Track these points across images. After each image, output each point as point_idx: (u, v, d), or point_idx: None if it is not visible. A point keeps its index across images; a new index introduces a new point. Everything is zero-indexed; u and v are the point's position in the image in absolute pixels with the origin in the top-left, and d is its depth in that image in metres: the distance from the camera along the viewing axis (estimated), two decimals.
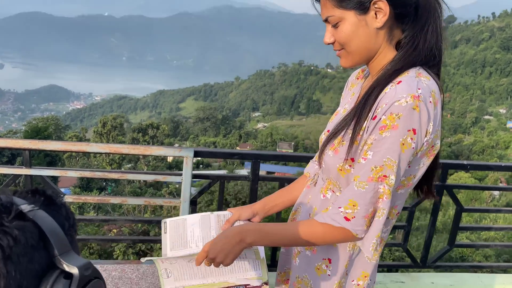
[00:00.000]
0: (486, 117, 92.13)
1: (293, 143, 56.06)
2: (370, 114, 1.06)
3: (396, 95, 1.01)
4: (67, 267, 0.51)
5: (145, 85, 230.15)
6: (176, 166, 33.95)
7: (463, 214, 2.53)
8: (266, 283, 1.20)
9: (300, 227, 1.13)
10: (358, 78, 1.32)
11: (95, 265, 0.53)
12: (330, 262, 1.19)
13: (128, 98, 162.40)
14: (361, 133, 1.08)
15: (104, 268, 1.47)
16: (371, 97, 1.08)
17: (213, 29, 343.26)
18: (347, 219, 1.06)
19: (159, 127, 43.16)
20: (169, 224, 1.28)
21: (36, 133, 29.07)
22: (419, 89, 1.01)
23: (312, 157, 1.42)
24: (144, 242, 9.76)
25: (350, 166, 1.11)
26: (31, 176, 2.15)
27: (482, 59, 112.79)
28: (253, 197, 2.27)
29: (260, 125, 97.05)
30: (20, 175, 2.15)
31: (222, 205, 2.35)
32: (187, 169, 2.12)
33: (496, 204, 25.96)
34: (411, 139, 1.02)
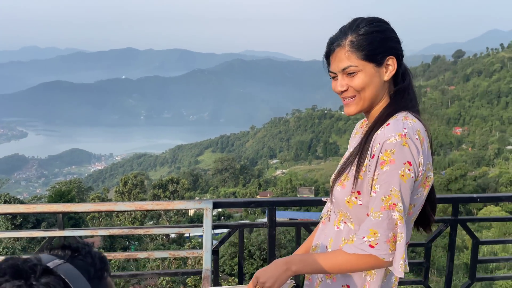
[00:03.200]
0: (509, 147, 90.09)
1: (313, 187, 55.55)
2: (369, 153, 1.27)
3: (386, 134, 1.22)
4: None
5: (164, 141, 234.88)
6: (198, 219, 33.90)
7: (500, 249, 2.56)
8: None
9: (337, 256, 1.28)
10: (361, 127, 1.54)
11: None
12: None
13: (148, 156, 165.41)
14: (364, 169, 1.28)
15: None
16: (369, 138, 1.29)
17: (226, 83, 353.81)
18: (371, 246, 1.22)
19: (179, 181, 43.53)
20: None
21: (59, 197, 29.65)
22: (405, 128, 1.22)
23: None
24: None
25: (356, 198, 1.30)
26: (64, 237, 2.32)
27: (496, 90, 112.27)
28: (271, 243, 2.37)
29: (278, 172, 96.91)
30: (54, 237, 2.33)
31: (243, 253, 2.46)
32: (207, 220, 2.26)
33: None
34: (409, 170, 1.20)
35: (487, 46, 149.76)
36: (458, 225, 2.53)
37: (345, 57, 1.29)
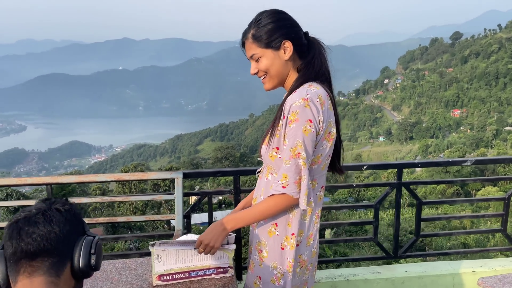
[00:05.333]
0: (507, 128, 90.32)
1: None
2: (281, 115, 1.59)
3: (292, 99, 1.54)
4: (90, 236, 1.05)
5: (163, 131, 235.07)
6: (199, 208, 34.42)
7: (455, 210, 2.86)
8: (231, 267, 1.71)
9: (260, 205, 1.60)
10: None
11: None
12: (277, 225, 1.65)
13: (148, 146, 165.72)
14: (279, 129, 1.59)
15: (110, 261, 1.85)
16: (283, 105, 1.61)
17: (223, 71, 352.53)
18: (283, 187, 1.53)
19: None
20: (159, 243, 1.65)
21: (61, 188, 30.07)
22: (307, 94, 1.53)
23: None
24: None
25: (276, 152, 1.61)
26: None
27: (494, 71, 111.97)
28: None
29: None
30: None
31: (212, 217, 2.78)
32: (179, 188, 2.57)
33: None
34: (310, 126, 1.52)
35: (485, 27, 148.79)
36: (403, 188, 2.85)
37: (250, 47, 1.64)
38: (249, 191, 3.01)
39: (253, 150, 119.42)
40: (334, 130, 1.62)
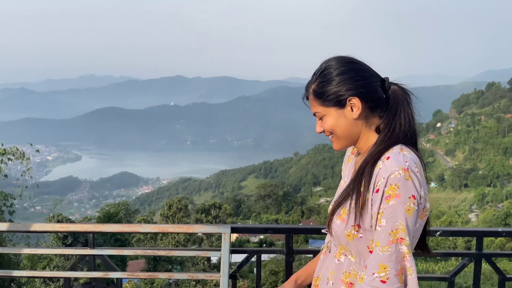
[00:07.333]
0: None
1: None
2: (371, 188, 1.30)
3: (389, 169, 1.26)
4: None
5: (208, 166, 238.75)
6: (238, 244, 33.91)
7: None
8: None
9: None
10: (353, 154, 1.61)
11: None
12: None
13: (193, 180, 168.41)
14: (366, 204, 1.31)
15: None
16: (365, 173, 1.33)
17: (270, 109, 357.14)
18: (383, 281, 1.24)
19: (221, 206, 43.90)
20: None
21: (108, 218, 30.86)
22: (406, 162, 1.26)
23: None
24: None
25: (356, 231, 1.34)
26: (94, 255, 2.49)
27: None
28: (288, 270, 2.41)
29: (322, 200, 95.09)
30: (85, 255, 2.50)
31: (260, 278, 2.51)
32: (225, 244, 2.35)
33: None
34: (413, 203, 1.24)
35: None
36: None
37: (312, 104, 1.44)
38: (303, 252, 2.74)
39: (296, 189, 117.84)
40: (428, 205, 1.35)
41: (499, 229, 2.43)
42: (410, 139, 1.38)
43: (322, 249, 1.62)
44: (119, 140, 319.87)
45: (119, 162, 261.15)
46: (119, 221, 31.62)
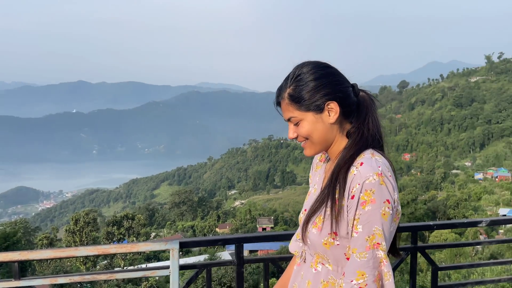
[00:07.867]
0: (454, 171, 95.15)
1: (272, 217, 55.46)
2: (346, 194, 1.29)
3: (364, 174, 1.25)
4: None
5: (118, 176, 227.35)
6: (154, 256, 32.66)
7: (453, 272, 2.67)
8: None
9: None
10: (321, 161, 1.58)
11: None
12: None
13: (101, 191, 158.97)
14: (342, 211, 1.30)
15: None
16: (339, 179, 1.32)
17: (182, 115, 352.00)
18: None
19: (134, 217, 42.06)
20: None
21: (4, 239, 27.62)
22: (379, 167, 1.26)
23: (293, 234, 1.58)
24: None
25: (333, 239, 1.31)
26: None
27: (439, 118, 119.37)
28: (239, 281, 2.35)
29: (237, 203, 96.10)
30: None
31: None
32: (174, 261, 2.21)
33: (480, 257, 25.94)
34: (388, 208, 1.24)
35: (428, 77, 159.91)
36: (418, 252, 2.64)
37: (287, 109, 1.37)
38: (254, 261, 2.70)
39: (211, 194, 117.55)
40: (400, 208, 1.33)
41: (431, 223, 2.65)
42: (378, 143, 1.38)
43: (293, 261, 1.58)
44: (13, 152, 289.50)
45: (14, 177, 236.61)
46: (17, 242, 28.46)
